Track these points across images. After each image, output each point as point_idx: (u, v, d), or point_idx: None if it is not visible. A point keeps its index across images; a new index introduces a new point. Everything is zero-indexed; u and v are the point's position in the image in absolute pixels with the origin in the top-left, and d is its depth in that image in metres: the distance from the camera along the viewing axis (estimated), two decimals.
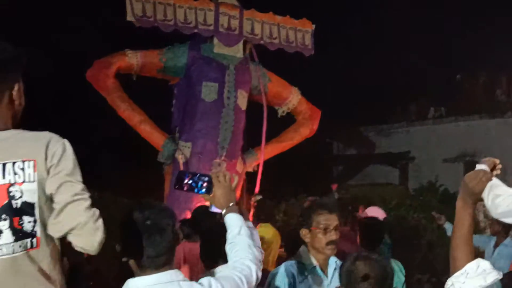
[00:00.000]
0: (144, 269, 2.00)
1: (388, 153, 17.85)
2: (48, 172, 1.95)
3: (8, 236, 1.91)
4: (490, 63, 16.79)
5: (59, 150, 1.97)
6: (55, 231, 1.97)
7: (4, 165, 1.93)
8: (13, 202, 1.93)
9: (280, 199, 9.75)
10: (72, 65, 8.10)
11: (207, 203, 2.47)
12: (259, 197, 6.80)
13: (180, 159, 6.95)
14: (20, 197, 1.93)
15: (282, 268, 3.01)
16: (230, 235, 2.28)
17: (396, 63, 15.71)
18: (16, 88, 2.04)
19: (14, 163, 1.94)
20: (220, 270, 2.26)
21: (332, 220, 2.94)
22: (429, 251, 9.03)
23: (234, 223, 2.29)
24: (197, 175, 2.32)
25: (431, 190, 13.93)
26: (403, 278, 4.51)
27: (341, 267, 2.34)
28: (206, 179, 2.31)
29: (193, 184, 2.30)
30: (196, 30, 7.22)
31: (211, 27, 7.26)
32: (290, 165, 11.67)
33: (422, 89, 17.52)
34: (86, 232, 1.96)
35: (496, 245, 6.34)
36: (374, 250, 4.53)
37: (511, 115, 16.20)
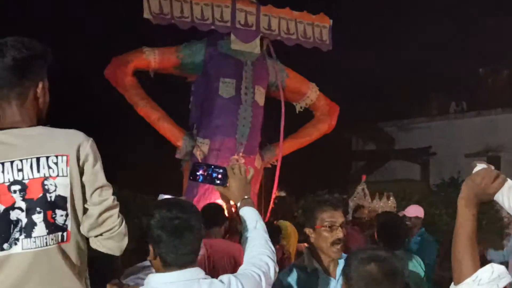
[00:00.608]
0: (168, 267, 2.01)
1: (408, 149, 17.73)
2: (81, 171, 2.00)
3: (42, 228, 1.94)
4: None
5: (91, 152, 2.02)
6: (91, 232, 2.02)
7: (38, 159, 1.96)
8: (48, 195, 1.96)
9: (299, 195, 9.76)
10: (91, 63, 8.19)
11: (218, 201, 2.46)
12: (281, 194, 6.86)
13: (198, 155, 7.00)
14: (54, 190, 1.97)
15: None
16: (246, 228, 2.26)
17: (416, 58, 15.57)
18: (40, 85, 2.06)
19: (47, 157, 1.97)
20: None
21: (337, 217, 2.74)
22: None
23: (250, 216, 2.27)
24: (212, 167, 2.29)
25: (453, 186, 13.81)
26: (423, 273, 4.48)
27: (346, 267, 2.10)
28: (221, 171, 2.29)
29: (208, 176, 2.29)
30: (213, 27, 7.25)
31: (228, 24, 7.29)
32: (308, 161, 11.65)
33: (443, 83, 17.36)
34: (117, 236, 2.03)
35: None
36: (392, 246, 4.48)
37: None
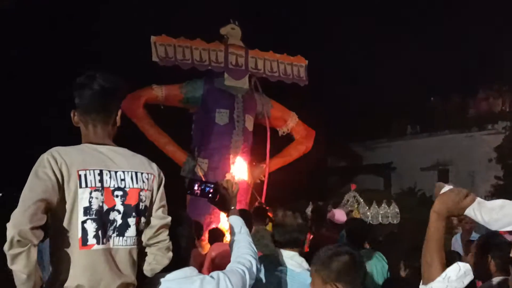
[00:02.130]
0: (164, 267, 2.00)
1: (373, 164, 17.84)
2: (157, 190, 2.04)
3: (133, 230, 1.95)
4: (461, 85, 16.83)
5: (162, 176, 2.08)
6: (150, 240, 2.02)
7: (136, 173, 1.99)
8: (141, 204, 1.99)
9: (283, 205, 9.75)
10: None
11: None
12: (261, 204, 6.89)
13: (200, 172, 7.03)
14: (144, 201, 1.99)
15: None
16: (233, 233, 2.28)
17: (378, 89, 15.78)
18: (119, 113, 2.09)
19: (142, 173, 2.01)
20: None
21: None
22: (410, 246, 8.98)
23: (235, 223, 2.30)
24: (204, 183, 2.33)
25: (410, 195, 13.91)
26: (387, 266, 4.51)
27: (317, 260, 2.06)
28: (212, 186, 2.30)
29: (201, 191, 2.31)
30: (209, 67, 7.34)
31: (222, 64, 7.38)
32: (291, 177, 11.69)
33: (401, 110, 17.56)
34: (167, 248, 2.01)
35: None
36: (357, 245, 4.48)
37: (477, 129, 16.18)
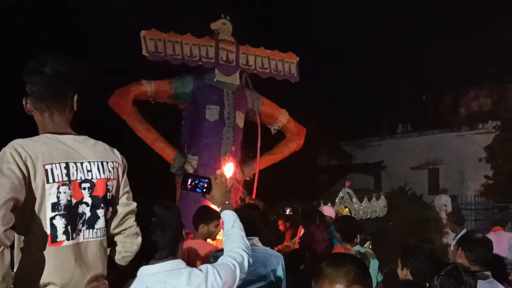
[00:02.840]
0: (151, 260, 1.99)
1: (364, 163, 17.93)
2: (122, 177, 2.03)
3: (102, 221, 1.93)
4: (454, 84, 16.95)
5: (125, 162, 2.07)
6: (116, 229, 2.01)
7: (102, 163, 1.96)
8: (108, 194, 1.97)
9: (273, 203, 9.77)
10: (96, 93, 8.15)
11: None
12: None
13: (189, 170, 6.99)
14: (111, 191, 1.98)
15: None
16: (225, 228, 2.28)
17: (369, 88, 15.86)
18: (75, 98, 2.01)
19: (107, 162, 1.98)
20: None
21: None
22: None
23: (229, 217, 2.31)
24: (198, 177, 2.34)
25: (401, 193, 13.97)
26: (377, 262, 4.60)
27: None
28: (206, 181, 2.33)
29: (195, 185, 2.33)
30: (200, 63, 7.29)
31: (213, 60, 7.33)
32: (281, 174, 11.70)
33: (392, 109, 17.66)
34: (134, 234, 2.00)
35: None
36: (352, 242, 4.59)
37: (467, 129, 16.32)
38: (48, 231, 1.80)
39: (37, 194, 1.79)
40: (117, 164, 2.01)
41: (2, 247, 1.64)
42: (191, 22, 8.16)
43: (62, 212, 1.82)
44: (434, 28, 16.47)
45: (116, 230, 2.00)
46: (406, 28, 16.74)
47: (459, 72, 16.11)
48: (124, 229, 2.00)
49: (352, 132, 17.85)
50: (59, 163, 1.84)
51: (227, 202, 2.35)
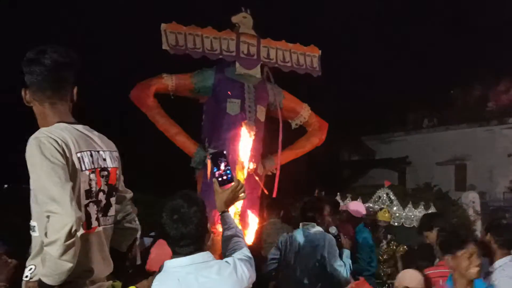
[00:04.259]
0: (177, 253, 2.04)
1: (388, 159, 17.74)
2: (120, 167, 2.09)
3: (113, 209, 2.01)
4: (480, 78, 16.61)
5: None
6: (119, 215, 2.11)
7: (111, 152, 2.02)
8: (117, 182, 2.05)
9: (295, 198, 9.74)
10: (119, 87, 8.27)
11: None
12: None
13: (210, 164, 7.01)
14: (118, 179, 2.06)
15: None
16: (228, 229, 2.32)
17: (394, 81, 15.66)
18: (75, 90, 2.03)
19: (113, 152, 2.05)
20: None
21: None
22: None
23: (230, 220, 2.36)
24: (229, 169, 2.30)
25: (426, 190, 13.77)
26: None
27: None
28: (230, 176, 2.30)
29: (222, 171, 2.29)
30: (221, 56, 7.30)
31: (233, 53, 7.33)
32: (302, 170, 11.68)
33: (418, 102, 17.40)
34: (134, 220, 2.09)
35: None
36: None
37: (496, 123, 15.98)
38: (83, 217, 1.85)
39: (75, 182, 1.83)
40: (118, 154, 2.07)
41: (77, 235, 1.70)
42: (212, 15, 8.19)
43: (94, 198, 1.90)
44: (460, 21, 16.13)
45: (119, 216, 2.09)
46: (431, 20, 16.47)
47: (487, 64, 15.77)
48: (126, 215, 2.09)
49: (376, 127, 17.67)
50: (86, 151, 1.90)
51: (228, 209, 2.37)
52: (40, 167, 1.73)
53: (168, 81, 7.26)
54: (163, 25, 7.06)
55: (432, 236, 4.08)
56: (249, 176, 6.99)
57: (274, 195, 7.33)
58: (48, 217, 1.66)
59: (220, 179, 2.28)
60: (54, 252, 1.64)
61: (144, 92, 7.18)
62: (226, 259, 2.11)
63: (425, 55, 15.20)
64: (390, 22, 15.66)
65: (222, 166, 2.29)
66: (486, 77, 16.40)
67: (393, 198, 8.36)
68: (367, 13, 15.62)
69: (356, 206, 6.88)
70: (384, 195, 8.42)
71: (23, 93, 1.96)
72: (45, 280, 1.68)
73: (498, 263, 3.31)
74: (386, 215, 7.10)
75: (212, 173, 2.36)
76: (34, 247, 1.83)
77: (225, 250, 2.24)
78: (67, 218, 1.65)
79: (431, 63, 15.43)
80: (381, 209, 7.51)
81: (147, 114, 7.28)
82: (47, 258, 1.67)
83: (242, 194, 2.34)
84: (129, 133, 10.51)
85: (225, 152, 2.37)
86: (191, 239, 2.02)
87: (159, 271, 2.05)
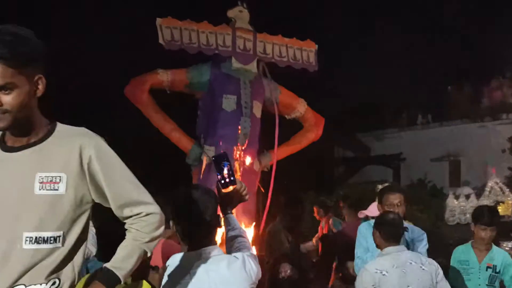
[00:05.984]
0: (187, 247, 2.05)
1: (382, 155, 17.78)
2: None
3: None
4: (473, 75, 16.69)
5: None
6: None
7: None
8: None
9: (291, 195, 9.70)
10: (111, 82, 8.19)
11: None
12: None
13: (205, 160, 6.98)
14: None
15: None
16: (232, 229, 2.29)
17: (389, 77, 15.66)
18: (43, 80, 1.76)
19: None
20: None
21: None
22: None
23: (233, 221, 2.32)
24: (232, 172, 2.22)
25: (420, 186, 13.83)
26: None
27: None
28: (232, 179, 2.20)
29: (225, 174, 2.20)
30: (216, 51, 7.26)
31: (229, 48, 7.29)
32: (299, 165, 11.66)
33: (411, 99, 17.43)
34: None
35: None
36: None
37: (490, 119, 16.05)
38: None
39: None
40: None
41: None
42: (207, 10, 8.12)
43: None
44: (458, 16, 16.17)
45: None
46: (426, 17, 16.50)
47: (482, 61, 15.84)
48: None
49: (370, 123, 17.70)
50: None
51: (230, 212, 2.33)
52: (118, 160, 1.84)
53: (164, 77, 7.21)
54: (158, 20, 7.01)
55: None
56: (245, 172, 6.96)
57: (270, 191, 7.31)
58: (145, 215, 1.74)
59: (223, 181, 2.19)
60: (151, 248, 1.74)
61: (138, 88, 7.13)
62: (234, 254, 2.10)
63: (418, 51, 15.21)
64: (384, 16, 15.67)
65: (226, 169, 2.22)
66: (480, 74, 16.49)
67: (503, 186, 8.16)
68: (361, 8, 15.62)
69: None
70: (495, 185, 8.17)
71: (43, 82, 1.77)
72: (125, 275, 1.70)
73: None
74: (503, 206, 7.00)
75: (213, 175, 2.32)
76: (54, 261, 1.66)
77: (230, 249, 2.23)
78: (157, 209, 1.77)
79: (425, 59, 15.46)
80: (497, 202, 7.35)
81: (141, 110, 7.22)
82: (141, 254, 1.71)
83: (246, 195, 2.29)
84: (124, 130, 10.42)
85: (227, 153, 2.30)
86: (203, 232, 2.03)
87: (168, 265, 2.02)
